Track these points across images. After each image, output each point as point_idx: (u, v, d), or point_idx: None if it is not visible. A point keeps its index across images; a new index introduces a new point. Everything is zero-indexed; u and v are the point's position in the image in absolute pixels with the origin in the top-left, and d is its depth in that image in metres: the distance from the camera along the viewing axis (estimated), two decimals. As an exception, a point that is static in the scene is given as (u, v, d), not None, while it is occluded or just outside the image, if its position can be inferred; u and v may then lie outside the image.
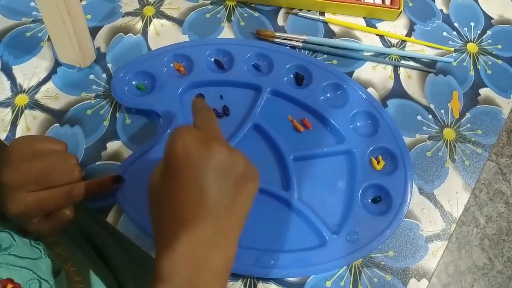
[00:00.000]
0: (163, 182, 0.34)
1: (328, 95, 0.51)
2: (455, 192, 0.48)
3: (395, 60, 0.55)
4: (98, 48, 0.53)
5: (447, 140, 0.51)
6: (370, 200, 0.47)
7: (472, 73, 0.55)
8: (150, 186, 0.35)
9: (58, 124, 0.49)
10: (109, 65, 0.52)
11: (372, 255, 0.45)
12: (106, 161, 0.47)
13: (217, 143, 0.33)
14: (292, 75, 0.52)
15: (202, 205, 0.32)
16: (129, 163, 0.46)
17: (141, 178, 0.45)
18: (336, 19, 0.57)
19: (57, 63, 0.52)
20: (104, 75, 0.52)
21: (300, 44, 0.54)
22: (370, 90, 0.53)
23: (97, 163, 0.47)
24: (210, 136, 0.34)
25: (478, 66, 0.55)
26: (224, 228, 0.32)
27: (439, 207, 0.47)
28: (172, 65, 0.52)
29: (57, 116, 0.49)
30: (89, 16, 0.55)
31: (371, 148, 0.48)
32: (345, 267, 0.44)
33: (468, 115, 0.52)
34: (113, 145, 0.48)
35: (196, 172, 0.32)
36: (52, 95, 0.50)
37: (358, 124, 0.50)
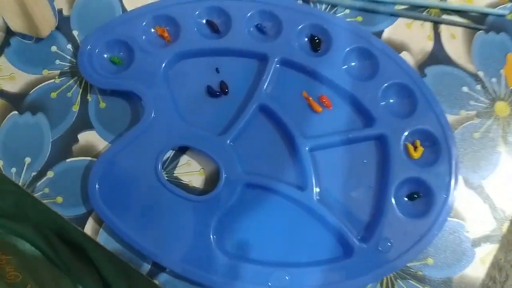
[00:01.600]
0: None
1: (353, 64, 0.41)
2: (508, 183, 0.39)
3: (435, 15, 0.43)
4: (60, 11, 0.42)
5: (500, 117, 0.41)
6: (406, 198, 0.38)
7: (531, 28, 0.44)
8: None
9: (16, 112, 0.40)
10: (75, 33, 0.42)
11: (407, 264, 0.37)
12: (78, 157, 0.39)
13: None
14: (306, 39, 0.41)
15: None
16: (108, 159, 0.37)
17: (123, 178, 0.36)
18: (360, -38, 0.44)
19: (9, 32, 0.41)
20: (69, 46, 0.41)
21: (316, -3, 0.43)
22: (404, 55, 0.42)
23: (67, 160, 0.39)
24: None
25: (540, 19, 0.44)
26: None
27: (488, 202, 0.39)
28: (153, 30, 0.41)
29: (14, 101, 0.40)
30: (45, -32, 0.43)
31: (407, 132, 0.38)
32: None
33: (526, 83, 0.42)
34: (86, 137, 0.39)
35: None
36: (6, 75, 0.40)
37: (391, 101, 0.40)
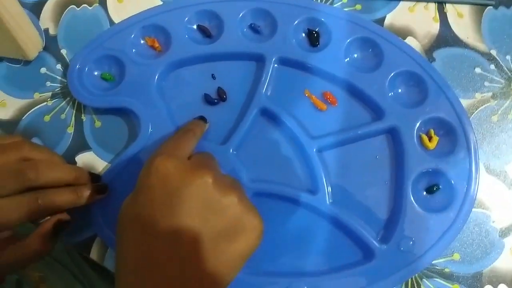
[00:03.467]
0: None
1: (355, 55, 0.38)
2: (533, 165, 0.37)
3: (438, -6, 0.41)
4: (46, 30, 0.41)
5: (518, 96, 0.38)
6: (425, 192, 0.35)
7: (543, -2, 0.41)
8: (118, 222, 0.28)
9: (10, 139, 0.38)
10: (63, 52, 0.40)
11: (432, 262, 0.35)
12: (78, 180, 0.37)
13: (203, 171, 0.27)
14: (303, 34, 0.39)
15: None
16: (108, 181, 0.35)
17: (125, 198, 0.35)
18: None
19: (-4, 58, 0.40)
20: (58, 66, 0.40)
21: (309, -11, 0.40)
22: (409, 40, 0.39)
23: (67, 184, 0.37)
24: (196, 163, 0.27)
25: (552, -12, 0.41)
26: None
27: (514, 188, 0.36)
28: (143, 41, 0.39)
29: (8, 128, 0.38)
30: (27, -12, 0.42)
31: (420, 121, 0.36)
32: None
33: (543, 58, 0.39)
34: (83, 158, 0.37)
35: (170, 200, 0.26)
36: (-3, 102, 0.39)
37: (400, 90, 0.37)
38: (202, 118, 0.36)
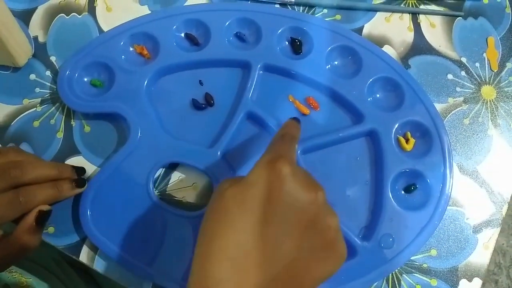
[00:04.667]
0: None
1: (336, 62, 0.40)
2: (502, 165, 0.39)
3: (412, 6, 0.44)
4: (35, 38, 0.42)
5: (487, 101, 0.41)
6: (403, 191, 0.37)
7: (508, 10, 0.44)
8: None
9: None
10: (53, 59, 0.41)
11: (411, 258, 0.36)
12: (67, 184, 0.37)
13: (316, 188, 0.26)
14: (287, 42, 0.41)
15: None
16: (98, 184, 0.36)
17: (115, 202, 0.35)
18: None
19: (-15, 65, 0.40)
20: (48, 73, 0.41)
21: None
22: (386, 48, 0.42)
23: (56, 188, 0.37)
24: (310, 176, 0.27)
25: (515, 0, 0.44)
26: None
27: (485, 187, 0.39)
28: (132, 49, 0.40)
29: (-4, 134, 0.39)
30: (16, -4, 0.43)
31: (397, 124, 0.38)
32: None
33: (509, 65, 0.42)
34: (73, 162, 0.38)
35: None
36: (-14, 108, 0.39)
37: (378, 95, 0.40)
38: (296, 119, 0.34)
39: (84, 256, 0.36)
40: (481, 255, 0.37)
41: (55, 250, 0.35)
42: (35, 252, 0.32)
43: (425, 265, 0.37)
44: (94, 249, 0.36)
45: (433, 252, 0.37)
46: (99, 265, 0.36)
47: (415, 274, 0.36)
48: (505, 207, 0.38)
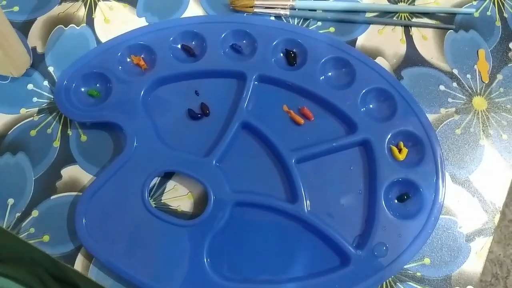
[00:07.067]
0: None
1: (330, 73, 0.41)
2: (494, 175, 0.40)
3: (405, 19, 0.45)
4: (34, 49, 0.42)
5: (478, 112, 0.42)
6: (396, 200, 0.38)
7: (498, 23, 0.45)
8: None
9: (-4, 154, 0.39)
10: (51, 69, 0.42)
11: (405, 266, 0.37)
12: (63, 193, 0.38)
13: None
14: (281, 54, 0.42)
15: None
16: (93, 192, 0.36)
17: (110, 211, 0.36)
18: (327, -25, 0.45)
19: (-17, 75, 0.41)
20: (46, 83, 0.41)
21: (287, 12, 0.43)
22: (379, 60, 0.43)
23: (52, 197, 0.38)
24: None
25: (505, 14, 0.45)
26: None
27: (477, 196, 0.39)
28: (129, 59, 0.41)
29: (-7, 143, 0.39)
30: (16, 8, 0.44)
31: (390, 134, 0.39)
32: (376, 286, 0.36)
33: (499, 77, 0.43)
34: (69, 171, 0.38)
35: None
36: (-17, 117, 0.40)
37: (371, 106, 0.40)
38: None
39: (79, 264, 0.36)
40: (474, 263, 0.37)
41: (41, 268, 0.34)
42: (20, 271, 0.31)
43: (418, 274, 0.37)
44: (89, 257, 0.36)
45: (427, 260, 0.37)
46: (93, 274, 0.36)
47: (409, 283, 0.37)
48: (497, 216, 0.39)
